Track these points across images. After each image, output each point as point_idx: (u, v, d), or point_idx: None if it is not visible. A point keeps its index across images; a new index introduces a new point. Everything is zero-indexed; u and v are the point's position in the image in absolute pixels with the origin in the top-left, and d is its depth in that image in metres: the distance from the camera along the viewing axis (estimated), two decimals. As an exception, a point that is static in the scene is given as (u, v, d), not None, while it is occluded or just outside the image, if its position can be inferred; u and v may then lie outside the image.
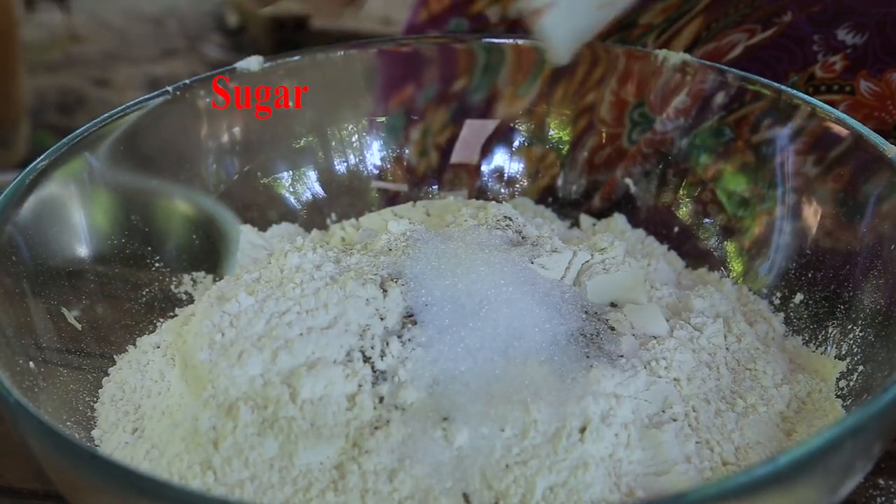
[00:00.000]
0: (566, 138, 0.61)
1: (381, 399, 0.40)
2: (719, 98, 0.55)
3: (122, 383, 0.47)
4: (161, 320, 0.53)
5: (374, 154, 0.62)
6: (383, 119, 0.63)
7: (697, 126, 0.57)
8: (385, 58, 0.63)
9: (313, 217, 0.61)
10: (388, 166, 0.62)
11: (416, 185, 0.63)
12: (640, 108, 0.59)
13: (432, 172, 0.63)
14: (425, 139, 0.63)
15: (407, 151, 0.63)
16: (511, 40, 0.61)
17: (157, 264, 0.54)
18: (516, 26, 0.73)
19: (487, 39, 0.61)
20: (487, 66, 0.62)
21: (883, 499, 0.44)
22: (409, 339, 0.41)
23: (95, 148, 0.51)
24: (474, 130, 0.62)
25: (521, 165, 0.62)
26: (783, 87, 0.53)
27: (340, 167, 0.61)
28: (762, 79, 0.54)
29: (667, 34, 0.65)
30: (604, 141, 0.60)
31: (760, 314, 0.51)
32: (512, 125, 0.62)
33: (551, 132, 0.62)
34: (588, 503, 0.37)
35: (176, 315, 0.54)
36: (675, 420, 0.41)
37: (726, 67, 0.55)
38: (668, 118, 0.57)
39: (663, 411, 0.42)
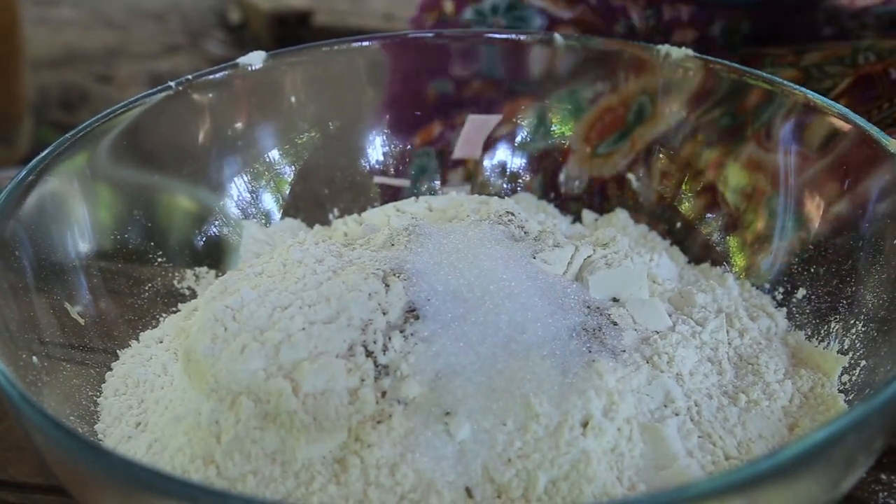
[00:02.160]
0: (569, 133, 0.61)
1: (384, 393, 0.40)
2: (722, 93, 0.55)
3: (125, 377, 0.47)
4: (164, 315, 0.53)
5: (377, 149, 0.62)
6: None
7: (700, 121, 0.57)
8: (398, 68, 0.61)
9: (315, 212, 0.61)
10: (391, 162, 0.62)
11: (418, 181, 0.63)
12: (775, 199, 0.52)
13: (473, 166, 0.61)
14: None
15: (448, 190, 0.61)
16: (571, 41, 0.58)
17: (159, 259, 0.54)
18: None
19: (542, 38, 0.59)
20: (542, 119, 0.60)
21: (885, 493, 0.44)
22: (412, 334, 0.41)
23: (98, 143, 0.52)
24: (477, 126, 0.62)
25: (524, 160, 0.62)
26: (785, 82, 0.53)
27: (343, 162, 0.61)
28: (764, 74, 0.54)
29: None
30: (734, 224, 0.55)
31: (763, 309, 0.51)
32: (514, 120, 0.62)
33: (554, 127, 0.62)
34: (590, 497, 0.37)
35: (178, 310, 0.54)
36: (677, 415, 0.41)
37: (729, 63, 0.55)
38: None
39: (665, 406, 0.42)
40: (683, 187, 0.57)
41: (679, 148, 0.58)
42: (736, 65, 0.55)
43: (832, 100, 0.50)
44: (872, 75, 0.60)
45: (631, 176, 0.59)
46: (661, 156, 0.58)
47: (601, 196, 0.60)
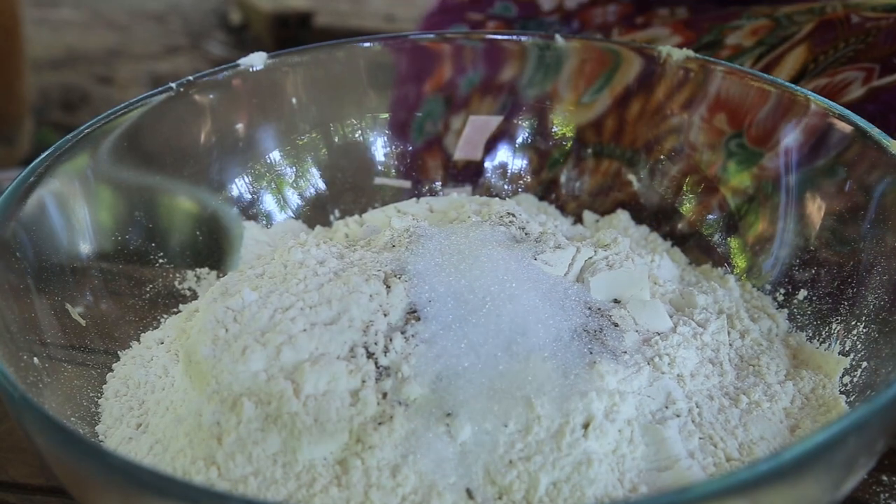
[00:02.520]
0: (570, 134, 0.61)
1: (385, 395, 0.40)
2: (723, 94, 0.55)
3: (125, 379, 0.47)
4: (165, 316, 0.53)
5: (378, 150, 0.62)
6: (385, 115, 0.62)
7: (703, 122, 0.57)
8: (417, 50, 0.62)
9: (316, 213, 0.61)
10: (392, 162, 0.62)
11: (419, 182, 0.63)
12: (739, 139, 0.55)
13: (474, 167, 0.62)
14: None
15: (447, 137, 0.62)
16: (573, 41, 0.59)
17: (160, 260, 0.54)
18: (572, 18, 0.72)
19: (542, 39, 0.60)
20: (542, 61, 0.61)
21: (886, 495, 0.44)
22: (413, 335, 0.41)
23: (99, 144, 0.52)
24: (478, 127, 0.62)
25: (525, 162, 0.62)
26: (787, 83, 0.53)
27: (343, 163, 0.61)
28: (766, 75, 0.54)
29: (765, 60, 0.63)
30: (694, 167, 0.57)
31: (764, 310, 0.51)
32: (516, 121, 0.62)
33: (555, 128, 0.62)
34: (592, 499, 0.37)
35: (179, 311, 0.54)
36: (678, 416, 0.41)
37: (731, 64, 0.55)
38: (777, 155, 0.53)
39: (666, 407, 0.42)
40: (685, 188, 0.57)
41: (682, 150, 0.58)
42: (738, 66, 0.55)
43: (794, 44, 0.50)
44: (834, 20, 0.61)
45: (632, 177, 0.59)
46: (661, 155, 0.58)
47: (579, 143, 0.61)
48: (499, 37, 0.61)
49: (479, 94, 0.62)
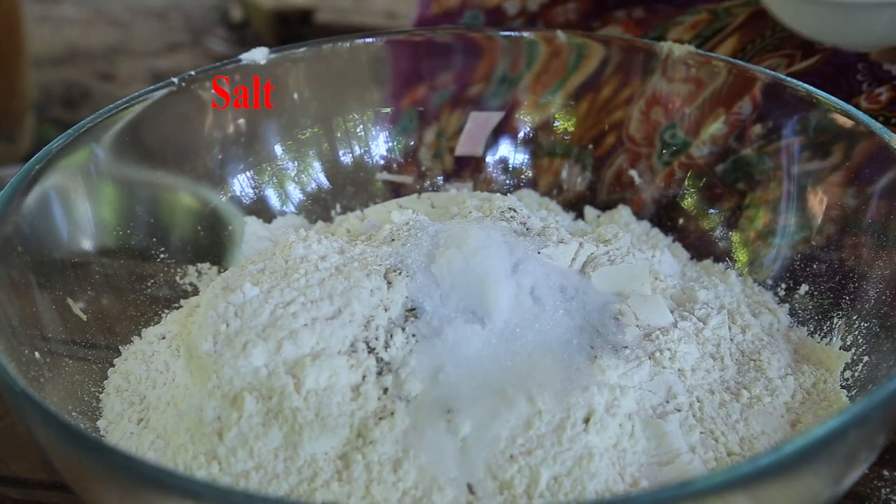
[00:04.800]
0: (571, 129, 0.61)
1: (386, 390, 0.40)
2: (725, 89, 0.55)
3: (127, 374, 0.47)
4: (166, 312, 0.53)
5: (380, 145, 0.62)
6: (387, 110, 0.63)
7: (704, 118, 0.57)
8: (397, 50, 0.62)
9: (317, 208, 0.61)
10: (394, 157, 0.62)
11: (421, 177, 0.63)
12: (672, 130, 0.58)
13: (445, 173, 0.63)
14: (440, 142, 0.63)
15: (421, 150, 0.62)
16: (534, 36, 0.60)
17: (162, 256, 0.54)
18: (536, 20, 0.73)
19: (508, 33, 0.61)
20: (505, 76, 0.62)
21: (888, 489, 0.44)
22: (413, 331, 0.41)
23: (100, 139, 0.51)
24: (479, 123, 0.62)
25: (526, 157, 0.62)
26: (787, 77, 0.52)
27: (345, 158, 0.61)
28: (767, 70, 0.54)
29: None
30: (633, 160, 0.59)
31: (765, 305, 0.51)
32: (517, 116, 0.62)
33: (556, 123, 0.62)
34: (592, 493, 0.37)
35: (181, 306, 0.54)
36: (679, 410, 0.41)
37: (732, 60, 0.55)
38: (704, 144, 0.56)
39: (667, 402, 0.42)
40: (686, 183, 0.57)
41: (682, 145, 0.58)
42: (739, 62, 0.55)
43: (727, 35, 0.51)
44: (764, 10, 0.62)
45: (633, 173, 0.59)
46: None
47: (535, 143, 0.62)
48: (511, 34, 0.61)
49: (449, 108, 0.62)
